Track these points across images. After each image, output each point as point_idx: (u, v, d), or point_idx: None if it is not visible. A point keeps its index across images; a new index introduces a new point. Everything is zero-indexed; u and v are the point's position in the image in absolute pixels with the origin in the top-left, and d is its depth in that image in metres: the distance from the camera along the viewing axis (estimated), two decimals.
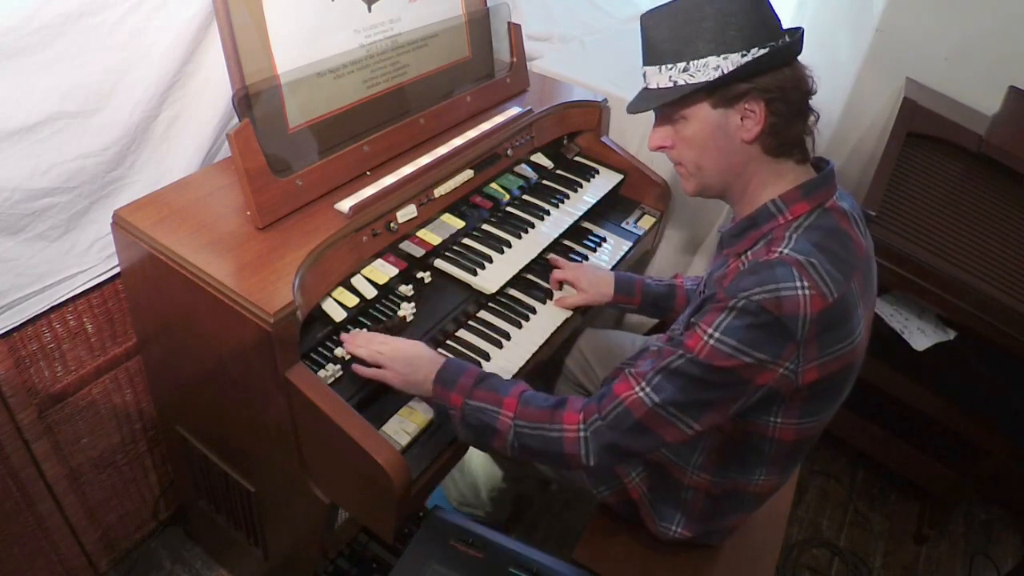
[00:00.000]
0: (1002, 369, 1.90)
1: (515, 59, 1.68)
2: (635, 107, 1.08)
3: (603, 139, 1.79)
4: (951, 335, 1.96)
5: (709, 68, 0.99)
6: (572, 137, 1.81)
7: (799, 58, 1.03)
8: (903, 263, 1.78)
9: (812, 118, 1.05)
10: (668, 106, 1.05)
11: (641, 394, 1.00)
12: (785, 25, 1.04)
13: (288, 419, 1.11)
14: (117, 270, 1.28)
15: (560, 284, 1.48)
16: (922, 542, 2.18)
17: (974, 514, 2.32)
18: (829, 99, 2.27)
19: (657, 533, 1.30)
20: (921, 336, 1.95)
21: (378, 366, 1.14)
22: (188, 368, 1.28)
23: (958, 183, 1.99)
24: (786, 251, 0.97)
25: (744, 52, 0.98)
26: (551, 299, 1.46)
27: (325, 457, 1.13)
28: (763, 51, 0.98)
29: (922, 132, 2.00)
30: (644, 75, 1.07)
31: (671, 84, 1.03)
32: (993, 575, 2.14)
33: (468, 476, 1.66)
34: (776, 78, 0.99)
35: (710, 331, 0.96)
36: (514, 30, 1.66)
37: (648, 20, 1.04)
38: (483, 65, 1.64)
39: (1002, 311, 1.74)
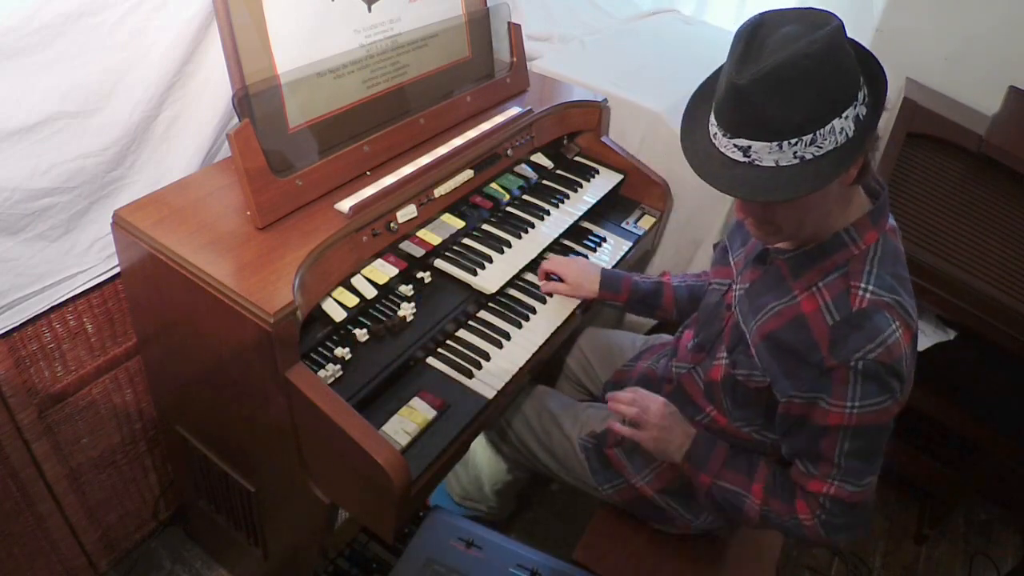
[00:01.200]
0: (1002, 369, 1.89)
1: (515, 59, 1.68)
2: (771, 195, 0.90)
3: (603, 139, 1.79)
4: (951, 335, 1.96)
5: (835, 135, 0.87)
6: (572, 137, 1.81)
7: None
8: None
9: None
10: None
11: (836, 486, 1.04)
12: None
13: (288, 419, 1.11)
14: (117, 270, 1.28)
15: (547, 276, 1.48)
16: (922, 542, 2.18)
17: (974, 514, 2.32)
18: None
19: (675, 521, 1.30)
20: (921, 336, 1.95)
21: (636, 423, 1.20)
22: (188, 368, 1.28)
23: (958, 183, 1.98)
24: (871, 289, 0.98)
25: (855, 102, 0.88)
26: (552, 298, 1.46)
27: (325, 457, 1.13)
28: (862, 92, 0.89)
29: (922, 132, 2.00)
30: (743, 148, 0.90)
31: (798, 160, 0.88)
32: (993, 575, 2.14)
33: (472, 471, 1.66)
34: (870, 124, 0.90)
35: (848, 405, 0.99)
36: (514, 30, 1.66)
37: (764, 82, 0.84)
38: (483, 65, 1.64)
39: (1002, 311, 1.73)
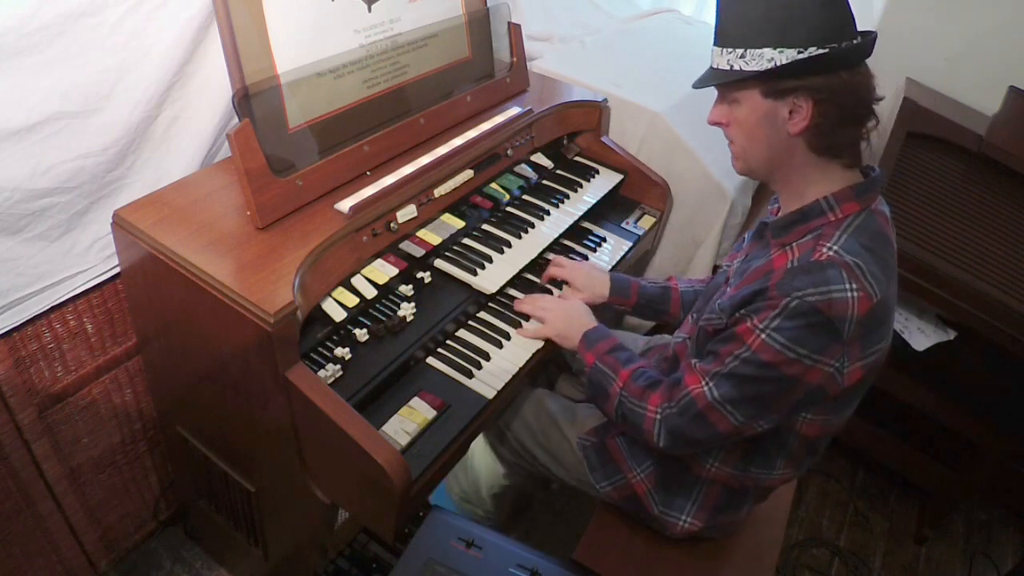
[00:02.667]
0: (1002, 369, 1.90)
1: (515, 59, 1.68)
2: (697, 83, 1.11)
3: (603, 139, 1.79)
4: (951, 335, 1.96)
5: (764, 59, 1.01)
6: (572, 137, 1.81)
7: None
8: (903, 263, 1.78)
9: (870, 124, 1.05)
10: (723, 87, 1.09)
11: (705, 388, 1.08)
12: None
13: (288, 419, 1.11)
14: (117, 270, 1.28)
15: (549, 280, 1.48)
16: (922, 542, 2.18)
17: (974, 514, 2.32)
18: None
19: (663, 525, 1.30)
20: (921, 336, 1.95)
21: (540, 320, 1.33)
22: (188, 368, 1.28)
23: (958, 183, 1.99)
24: (835, 249, 1.00)
25: (801, 49, 0.99)
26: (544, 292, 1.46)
27: (325, 457, 1.13)
28: (821, 51, 0.98)
29: (922, 132, 2.00)
30: (712, 53, 1.09)
31: (728, 67, 1.05)
32: (993, 575, 2.14)
33: (471, 473, 1.66)
34: (830, 80, 0.99)
35: (761, 326, 1.01)
36: (514, 30, 1.66)
37: (723, 1, 1.06)
38: (483, 65, 1.64)
39: (1002, 311, 1.74)
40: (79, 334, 1.30)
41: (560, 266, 1.48)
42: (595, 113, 1.76)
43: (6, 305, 1.16)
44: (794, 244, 1.06)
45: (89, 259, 1.24)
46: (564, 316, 1.33)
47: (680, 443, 1.14)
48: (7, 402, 1.23)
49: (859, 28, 1.02)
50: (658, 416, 1.14)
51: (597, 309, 1.47)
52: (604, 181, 1.75)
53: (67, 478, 1.42)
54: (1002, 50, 2.07)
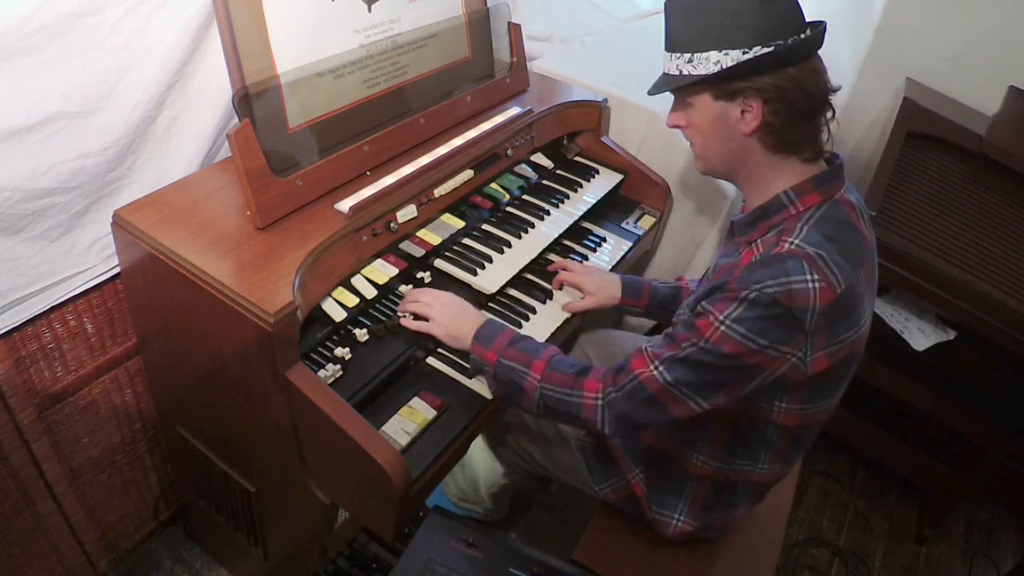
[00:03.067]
0: (1002, 369, 1.90)
1: (515, 59, 1.68)
2: (651, 89, 1.13)
3: (603, 139, 1.79)
4: (951, 335, 1.96)
5: (710, 62, 1.02)
6: (572, 137, 1.81)
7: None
8: (903, 263, 1.78)
9: (828, 115, 1.06)
10: (676, 91, 1.10)
11: (655, 372, 1.06)
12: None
13: (288, 419, 1.11)
14: (117, 270, 1.28)
15: (561, 285, 1.48)
16: (922, 542, 2.18)
17: (974, 514, 2.32)
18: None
19: (659, 526, 1.30)
20: (921, 336, 1.95)
21: (426, 319, 1.23)
22: (188, 368, 1.28)
23: (958, 183, 1.99)
24: (797, 242, 1.00)
25: (746, 50, 1.00)
26: (551, 299, 1.46)
27: (325, 457, 1.13)
28: (766, 50, 0.99)
29: (922, 132, 2.00)
30: (663, 59, 1.11)
31: (677, 72, 1.07)
32: (993, 575, 2.14)
33: (469, 472, 1.66)
34: (777, 78, 1.00)
35: (721, 318, 1.00)
36: (514, 30, 1.66)
37: (669, 6, 1.08)
38: (483, 65, 1.64)
39: (1002, 311, 1.74)
40: (79, 334, 1.30)
41: (570, 271, 1.47)
42: (595, 113, 1.76)
43: (6, 305, 1.15)
44: (759, 241, 1.07)
45: (89, 259, 1.24)
46: (451, 312, 1.23)
47: (627, 426, 1.12)
48: (7, 402, 1.23)
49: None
50: (600, 402, 1.11)
51: (602, 311, 1.47)
52: (604, 181, 1.75)
53: (67, 478, 1.42)
54: (1002, 50, 2.07)
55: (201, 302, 1.09)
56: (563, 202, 1.64)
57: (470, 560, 1.24)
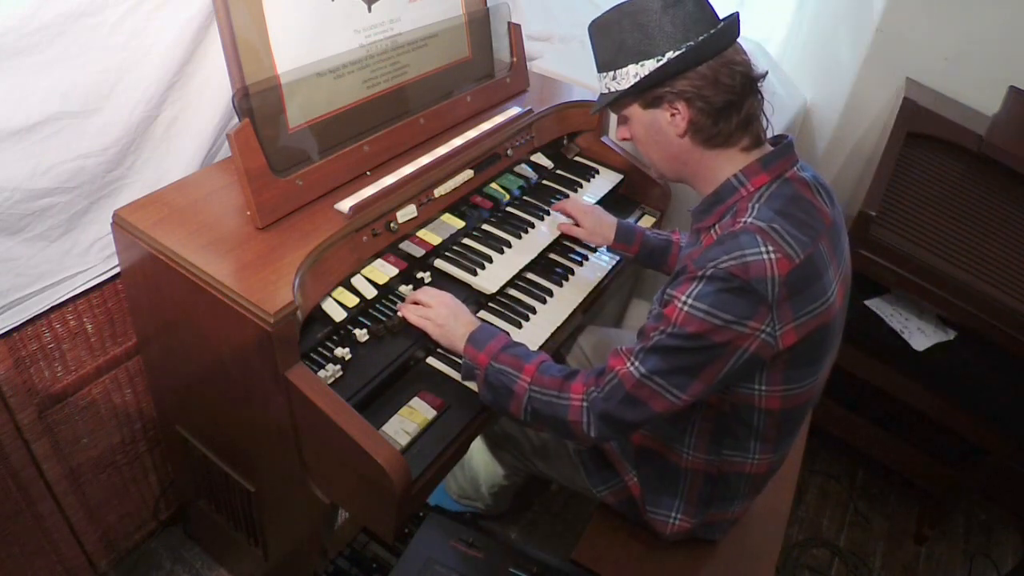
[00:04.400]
0: (1002, 369, 1.90)
1: (515, 59, 1.68)
2: (592, 109, 1.19)
3: (603, 139, 1.79)
4: (951, 335, 1.96)
5: (629, 76, 1.07)
6: (572, 137, 1.81)
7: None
8: (903, 263, 1.78)
9: (758, 100, 1.08)
10: (609, 107, 1.15)
11: (631, 367, 1.06)
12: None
13: (288, 419, 1.11)
14: (117, 270, 1.28)
15: (560, 212, 1.53)
16: (922, 542, 2.18)
17: (974, 514, 2.32)
18: (829, 99, 2.27)
19: (656, 526, 1.30)
20: (921, 336, 1.95)
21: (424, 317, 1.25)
22: (188, 368, 1.28)
23: (958, 183, 1.99)
24: (749, 220, 1.02)
25: (659, 57, 1.04)
26: (552, 298, 1.46)
27: (325, 457, 1.13)
28: (677, 53, 1.03)
29: (922, 132, 2.00)
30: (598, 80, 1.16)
31: (607, 90, 1.13)
32: (993, 575, 2.14)
33: (469, 472, 1.66)
34: (692, 78, 1.03)
35: (683, 298, 1.01)
36: (514, 30, 1.66)
37: (589, 31, 1.13)
38: (483, 65, 1.64)
39: (1002, 311, 1.74)
40: (79, 334, 1.30)
41: (573, 203, 1.52)
42: None
43: (6, 305, 1.16)
44: (716, 226, 1.09)
45: (89, 259, 1.25)
46: (447, 314, 1.23)
47: (612, 428, 1.10)
48: (7, 402, 1.23)
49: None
50: (584, 404, 1.09)
51: (600, 302, 1.47)
52: (604, 181, 1.75)
53: (67, 478, 1.42)
54: (1002, 50, 2.07)
55: (201, 302, 1.09)
56: None
57: (470, 560, 1.24)
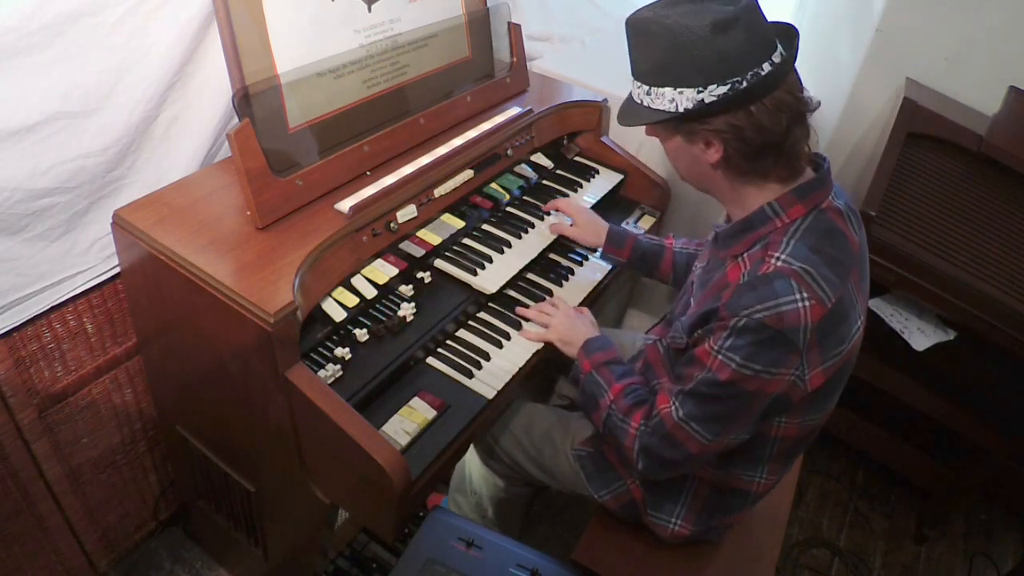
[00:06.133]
0: (1002, 369, 1.90)
1: (515, 59, 1.68)
2: (619, 116, 1.09)
3: (603, 139, 1.79)
4: (951, 335, 1.96)
5: (665, 100, 0.99)
6: (572, 137, 1.81)
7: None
8: (903, 263, 1.78)
9: (800, 136, 1.01)
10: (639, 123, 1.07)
11: (671, 408, 1.08)
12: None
13: (288, 419, 1.11)
14: (117, 270, 1.28)
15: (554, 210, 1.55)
16: (922, 542, 2.18)
17: (974, 514, 2.32)
18: (829, 99, 2.27)
19: (655, 529, 1.30)
20: (921, 336, 1.95)
21: (544, 325, 1.34)
22: (188, 368, 1.28)
23: (958, 183, 1.98)
24: (783, 258, 0.99)
25: (700, 88, 0.96)
26: (552, 298, 1.46)
27: (325, 457, 1.13)
28: (723, 88, 0.95)
29: (922, 132, 2.00)
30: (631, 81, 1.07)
31: (639, 102, 1.04)
32: (993, 575, 2.14)
33: (472, 497, 1.64)
34: (732, 118, 0.96)
35: (716, 347, 1.01)
36: (514, 30, 1.66)
37: (627, 28, 1.02)
38: (483, 65, 1.64)
39: (1002, 311, 1.73)
40: (79, 334, 1.30)
41: (568, 203, 1.52)
42: (595, 113, 1.76)
43: (6, 305, 1.16)
44: (745, 255, 1.05)
45: (89, 259, 1.25)
46: (568, 322, 1.33)
47: (655, 464, 1.13)
48: (7, 402, 1.23)
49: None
50: (637, 434, 1.14)
51: (600, 302, 1.47)
52: (604, 181, 1.75)
53: (67, 478, 1.42)
54: (1002, 50, 2.07)
55: (201, 302, 1.09)
56: None
57: (470, 560, 1.24)
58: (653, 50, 0.98)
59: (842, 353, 1.02)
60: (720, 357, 1.00)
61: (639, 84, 1.03)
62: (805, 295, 0.95)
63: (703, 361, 1.03)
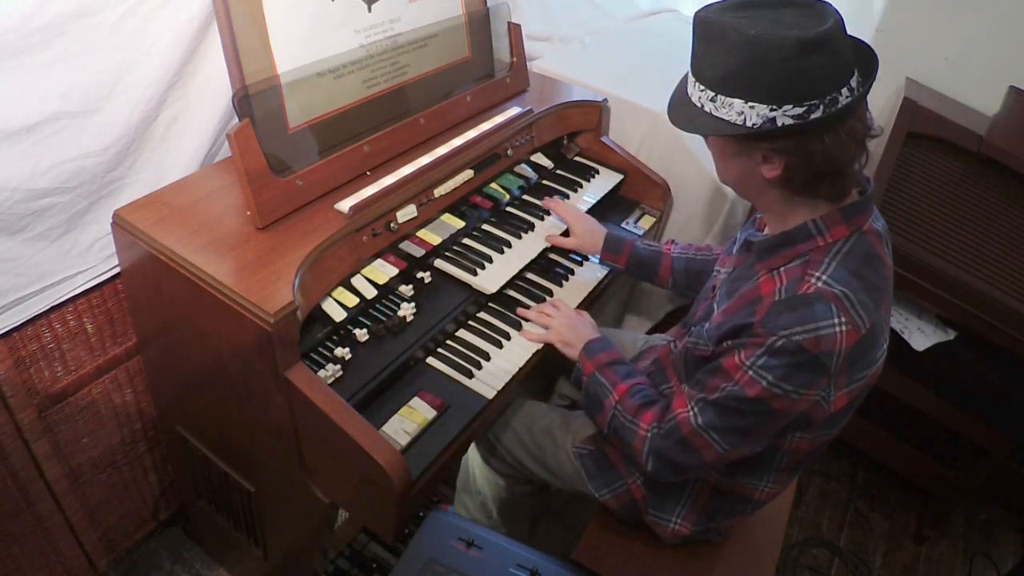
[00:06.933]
0: (1002, 369, 1.90)
1: (515, 59, 1.68)
2: (673, 115, 1.03)
3: (603, 139, 1.79)
4: (951, 335, 1.96)
5: (734, 111, 0.94)
6: (572, 137, 1.81)
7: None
8: (903, 263, 1.78)
9: (862, 159, 0.99)
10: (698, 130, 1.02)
11: (690, 414, 1.08)
12: None
13: (288, 419, 1.11)
14: (117, 270, 1.28)
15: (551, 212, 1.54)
16: (922, 542, 2.18)
17: (974, 514, 2.32)
18: None
19: (655, 528, 1.30)
20: (921, 336, 1.95)
21: (545, 327, 1.35)
22: (188, 368, 1.28)
23: (958, 183, 1.99)
24: (824, 279, 0.97)
25: (774, 107, 0.91)
26: (552, 298, 1.46)
27: (325, 457, 1.13)
28: (798, 109, 0.90)
29: (922, 132, 2.00)
30: (687, 79, 1.02)
31: (699, 106, 0.98)
32: (993, 575, 2.14)
33: (477, 497, 1.64)
34: (802, 143, 0.93)
35: (748, 363, 1.00)
36: (514, 30, 1.66)
37: (696, 27, 0.96)
38: (483, 65, 1.64)
39: (1002, 311, 1.73)
40: (79, 334, 1.30)
41: (566, 208, 1.51)
42: (595, 113, 1.76)
43: (6, 305, 1.16)
44: (782, 269, 1.03)
45: (89, 259, 1.25)
46: (568, 324, 1.33)
47: (666, 467, 1.13)
48: (7, 402, 1.23)
49: (853, 29, 0.93)
50: (648, 435, 1.13)
51: (600, 302, 1.47)
52: (604, 181, 1.75)
53: (67, 478, 1.42)
54: (1002, 50, 2.07)
55: (201, 302, 1.09)
56: (563, 202, 1.64)
57: (470, 560, 1.23)
58: (728, 58, 0.91)
59: (867, 376, 1.03)
60: (751, 373, 0.99)
61: (703, 88, 0.97)
62: (843, 319, 0.94)
63: (731, 374, 1.02)
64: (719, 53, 0.93)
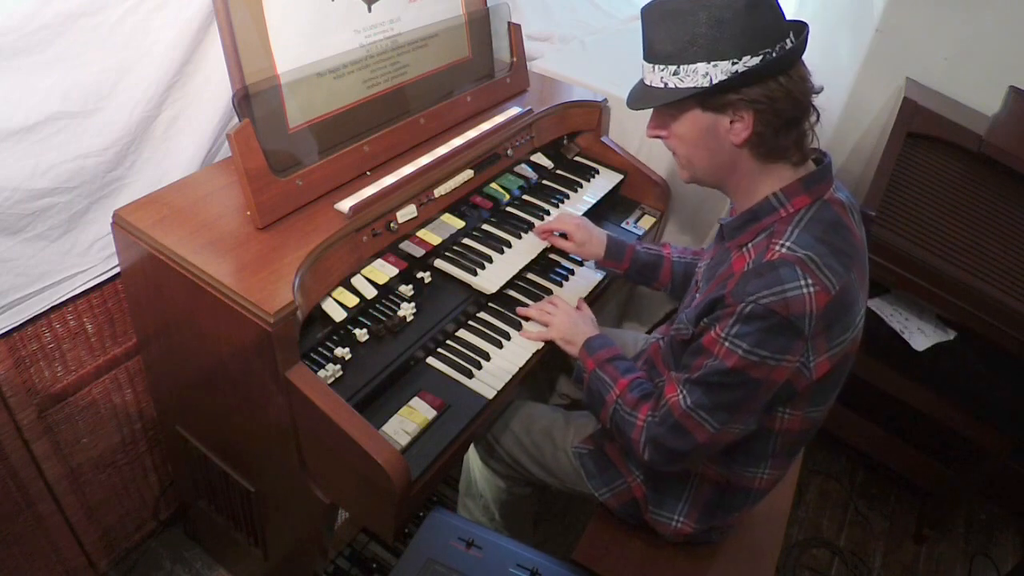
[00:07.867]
0: (1002, 369, 1.90)
1: (515, 59, 1.68)
2: (632, 102, 1.10)
3: (603, 139, 1.79)
4: (951, 335, 1.96)
5: (698, 75, 1.00)
6: (572, 137, 1.81)
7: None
8: (903, 263, 1.78)
9: (812, 118, 1.05)
10: (664, 106, 1.08)
11: (679, 397, 1.09)
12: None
13: (288, 419, 1.11)
14: (117, 270, 1.28)
15: (547, 232, 1.51)
16: (922, 542, 2.18)
17: (974, 514, 2.32)
18: (829, 99, 2.27)
19: (656, 526, 1.30)
20: (921, 336, 1.95)
21: (545, 324, 1.35)
22: (188, 368, 1.28)
23: (958, 183, 1.99)
24: (788, 245, 1.00)
25: (735, 60, 0.98)
26: (551, 296, 1.46)
27: (325, 457, 1.13)
28: (755, 59, 0.98)
29: (922, 132, 2.00)
30: (643, 68, 1.08)
31: (663, 85, 1.04)
32: (993, 575, 2.14)
33: (479, 500, 1.64)
34: (766, 88, 0.99)
35: (723, 335, 1.02)
36: (514, 30, 1.66)
37: (647, 15, 1.04)
38: (483, 65, 1.64)
39: (1002, 311, 1.74)
40: (79, 334, 1.30)
41: (561, 220, 1.50)
42: (595, 113, 1.76)
43: (6, 305, 1.16)
44: (750, 245, 1.07)
45: (89, 259, 1.25)
46: (569, 321, 1.34)
47: (661, 454, 1.14)
48: (7, 402, 1.23)
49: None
50: (644, 425, 1.15)
51: (600, 302, 1.47)
52: (604, 181, 1.75)
53: (67, 478, 1.42)
54: (1002, 50, 2.07)
55: (201, 302, 1.09)
56: (563, 202, 1.64)
57: (470, 560, 1.23)
58: (687, 27, 0.99)
59: (846, 341, 1.03)
60: (727, 344, 1.01)
61: (663, 67, 1.03)
62: (810, 281, 0.97)
63: (710, 349, 1.04)
64: (677, 27, 1.00)
